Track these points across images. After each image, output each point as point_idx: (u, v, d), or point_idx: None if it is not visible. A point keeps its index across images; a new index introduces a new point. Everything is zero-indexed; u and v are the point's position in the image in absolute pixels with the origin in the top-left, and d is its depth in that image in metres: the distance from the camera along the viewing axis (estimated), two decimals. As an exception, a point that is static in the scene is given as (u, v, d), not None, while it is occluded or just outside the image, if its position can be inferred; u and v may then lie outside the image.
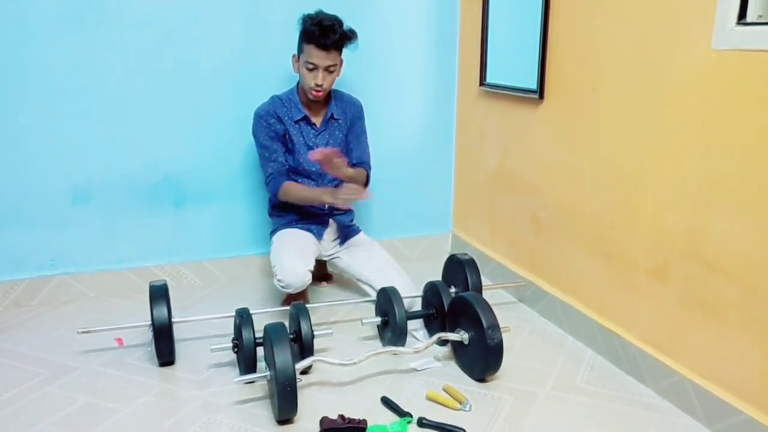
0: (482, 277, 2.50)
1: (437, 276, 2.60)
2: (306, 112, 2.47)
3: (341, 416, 1.80)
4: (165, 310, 2.09)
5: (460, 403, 1.90)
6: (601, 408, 1.91)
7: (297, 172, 2.52)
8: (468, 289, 2.41)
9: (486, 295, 2.26)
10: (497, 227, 2.89)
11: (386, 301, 2.25)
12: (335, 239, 2.61)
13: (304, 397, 1.91)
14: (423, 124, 3.11)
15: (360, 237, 2.66)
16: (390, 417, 1.85)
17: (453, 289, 2.47)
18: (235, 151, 2.78)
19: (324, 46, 2.31)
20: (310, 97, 2.41)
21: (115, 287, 2.74)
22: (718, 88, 1.71)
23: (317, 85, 2.36)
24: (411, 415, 1.83)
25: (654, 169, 1.94)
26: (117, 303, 2.66)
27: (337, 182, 2.61)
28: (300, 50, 2.39)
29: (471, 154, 3.05)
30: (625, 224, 2.08)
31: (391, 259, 2.60)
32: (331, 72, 2.39)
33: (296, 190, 2.45)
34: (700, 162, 1.78)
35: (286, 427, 1.81)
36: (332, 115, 2.51)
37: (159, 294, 2.14)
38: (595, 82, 2.16)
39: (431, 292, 2.34)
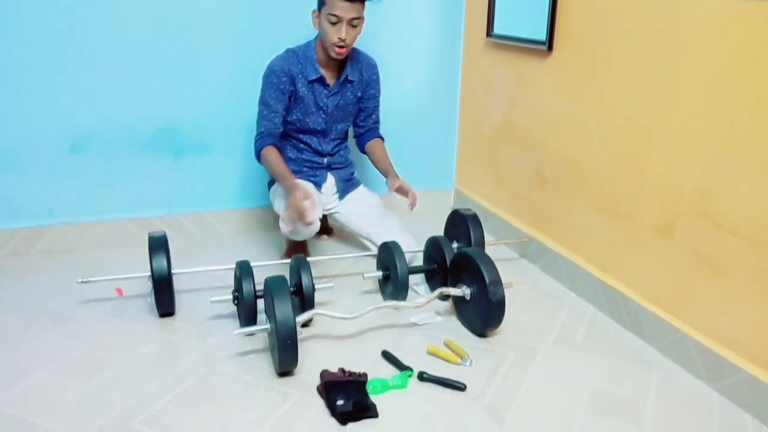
0: (485, 233, 2.47)
1: (439, 231, 2.58)
2: (322, 72, 2.38)
3: (342, 369, 1.80)
4: (164, 262, 2.07)
5: (461, 357, 1.90)
6: (601, 364, 1.91)
7: (302, 131, 2.46)
8: (470, 245, 2.39)
9: (488, 250, 2.24)
10: (501, 182, 2.85)
11: (388, 255, 2.23)
12: (334, 193, 2.58)
13: (304, 350, 1.90)
14: (427, 76, 3.04)
15: (360, 191, 2.62)
16: (390, 371, 1.85)
17: (455, 245, 2.45)
18: (235, 101, 2.72)
19: None
20: (332, 54, 2.30)
21: (114, 237, 2.72)
22: (735, 40, 1.64)
23: (341, 40, 2.24)
24: (411, 369, 1.83)
25: (665, 124, 1.89)
26: (116, 253, 2.65)
27: (339, 143, 2.55)
28: (321, 3, 2.27)
29: (476, 107, 3.00)
30: (633, 180, 2.04)
31: (392, 214, 2.57)
32: (355, 26, 2.27)
33: (273, 161, 2.32)
34: (714, 117, 1.73)
35: (286, 379, 1.81)
36: (347, 76, 2.43)
37: (158, 245, 2.11)
38: (606, 33, 2.09)
39: (433, 247, 2.32)
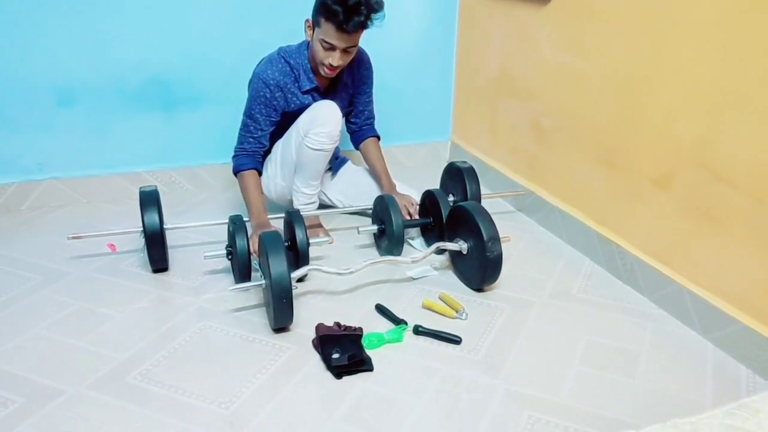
0: (481, 186, 2.44)
1: (435, 184, 2.55)
2: (317, 82, 2.22)
3: (337, 323, 1.80)
4: (156, 217, 2.04)
5: (456, 311, 1.90)
6: (597, 316, 1.91)
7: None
8: (467, 198, 2.36)
9: (485, 203, 2.22)
10: (498, 135, 2.81)
11: (383, 209, 2.20)
12: (328, 170, 2.52)
13: (299, 305, 1.90)
14: (422, 26, 2.96)
15: (348, 166, 2.58)
16: (386, 325, 1.84)
17: (451, 198, 2.42)
18: (225, 53, 2.65)
19: (346, 30, 2.00)
20: (322, 73, 2.15)
21: (105, 192, 2.68)
22: (742, -15, 1.59)
23: (332, 66, 2.09)
24: (406, 323, 1.83)
25: (666, 73, 1.85)
26: (108, 208, 2.62)
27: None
28: (316, 22, 2.05)
29: (473, 57, 2.93)
30: (632, 132, 2.01)
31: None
32: (350, 52, 2.10)
33: (251, 190, 2.19)
34: (717, 66, 1.68)
35: (281, 333, 1.80)
36: (341, 79, 2.29)
37: (150, 200, 2.08)
38: (608, -21, 2.02)
39: (429, 201, 2.29)
